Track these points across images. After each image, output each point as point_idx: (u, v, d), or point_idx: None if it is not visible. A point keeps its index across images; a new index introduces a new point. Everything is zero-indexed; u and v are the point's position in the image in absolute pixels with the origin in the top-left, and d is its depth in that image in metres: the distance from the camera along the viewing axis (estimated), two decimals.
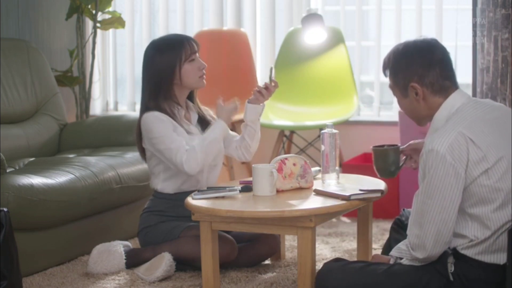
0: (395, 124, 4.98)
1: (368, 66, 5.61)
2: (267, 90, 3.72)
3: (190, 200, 3.39)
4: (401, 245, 2.97)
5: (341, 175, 3.64)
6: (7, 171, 3.86)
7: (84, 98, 5.29)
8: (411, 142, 3.25)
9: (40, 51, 4.89)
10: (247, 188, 3.46)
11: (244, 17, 5.58)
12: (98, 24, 5.30)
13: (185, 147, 3.63)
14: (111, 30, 5.67)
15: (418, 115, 2.97)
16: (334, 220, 4.67)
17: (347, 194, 3.23)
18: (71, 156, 4.42)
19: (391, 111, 5.29)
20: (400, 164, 3.23)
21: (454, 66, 2.95)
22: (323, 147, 3.55)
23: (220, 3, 5.58)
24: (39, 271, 3.78)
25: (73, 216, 3.93)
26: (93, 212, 4.06)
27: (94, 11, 5.25)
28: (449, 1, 5.18)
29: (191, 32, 5.50)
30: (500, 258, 2.82)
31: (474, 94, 3.98)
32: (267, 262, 3.86)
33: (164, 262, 3.60)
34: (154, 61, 3.72)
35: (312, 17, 4.98)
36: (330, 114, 5.03)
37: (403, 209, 3.30)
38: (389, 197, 4.40)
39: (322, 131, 3.57)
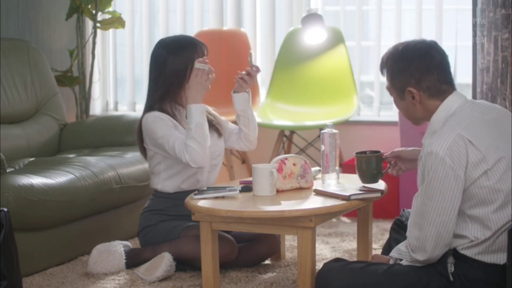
0: (395, 124, 4.98)
1: (368, 66, 5.60)
2: (249, 76, 3.73)
3: (190, 200, 3.39)
4: (401, 246, 2.97)
5: (341, 175, 3.64)
6: (7, 171, 3.86)
7: (84, 98, 5.28)
8: (395, 149, 3.27)
9: (40, 51, 4.89)
10: (247, 188, 3.46)
11: (244, 17, 5.58)
12: (98, 24, 5.30)
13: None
14: (111, 30, 5.66)
15: (414, 117, 2.97)
16: (334, 220, 4.67)
17: (347, 194, 3.22)
18: (71, 156, 4.42)
19: (391, 111, 5.28)
20: (383, 171, 3.26)
21: (454, 66, 2.96)
22: (323, 147, 3.55)
23: (220, 3, 5.58)
24: (39, 271, 3.78)
25: (73, 216, 3.93)
26: (93, 212, 4.06)
27: (94, 11, 5.25)
28: (449, 1, 5.17)
29: (191, 32, 5.50)
30: (500, 258, 2.82)
31: (474, 94, 3.98)
32: (267, 262, 3.86)
33: (164, 262, 3.60)
34: (167, 62, 3.69)
35: (312, 17, 4.97)
36: (330, 114, 5.03)
37: (403, 210, 3.30)
38: (389, 197, 4.40)
39: (322, 131, 3.57)
